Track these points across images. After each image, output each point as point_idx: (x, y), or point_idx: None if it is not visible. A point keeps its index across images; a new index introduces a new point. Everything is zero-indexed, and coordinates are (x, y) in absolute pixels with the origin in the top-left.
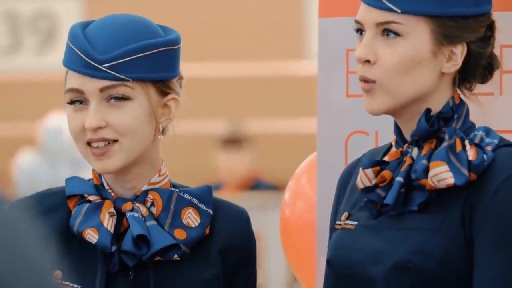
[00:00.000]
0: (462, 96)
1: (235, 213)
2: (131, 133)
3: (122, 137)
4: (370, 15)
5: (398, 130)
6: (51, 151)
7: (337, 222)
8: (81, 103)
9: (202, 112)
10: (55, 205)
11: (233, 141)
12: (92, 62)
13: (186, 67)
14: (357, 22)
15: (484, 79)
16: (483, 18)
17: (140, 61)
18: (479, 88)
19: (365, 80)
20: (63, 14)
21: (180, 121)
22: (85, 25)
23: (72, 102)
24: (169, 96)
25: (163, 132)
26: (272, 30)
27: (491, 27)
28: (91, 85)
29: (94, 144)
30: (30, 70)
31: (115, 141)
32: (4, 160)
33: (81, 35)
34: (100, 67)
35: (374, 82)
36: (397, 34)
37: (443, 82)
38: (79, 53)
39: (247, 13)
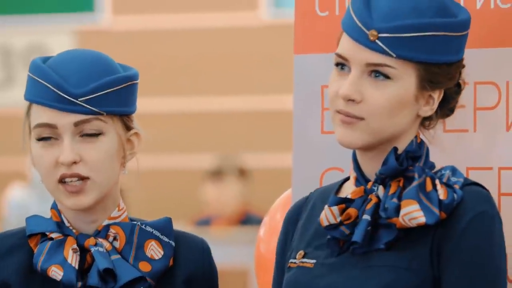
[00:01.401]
0: (422, 136)
1: (196, 244)
2: (103, 169)
3: (94, 173)
4: (360, 54)
5: (358, 167)
6: (41, 186)
7: (292, 260)
8: (50, 138)
9: (191, 147)
10: (13, 247)
11: (221, 175)
12: (67, 96)
13: (177, 102)
14: (340, 56)
15: (444, 117)
16: (459, 64)
17: (112, 95)
18: (453, 124)
19: (348, 115)
20: (55, 48)
21: (169, 156)
22: (44, 60)
23: (41, 139)
24: (132, 131)
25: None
26: (262, 64)
27: (461, 72)
28: (64, 120)
29: (68, 180)
30: (22, 104)
31: (87, 178)
32: None
33: (50, 70)
34: (76, 101)
35: (360, 119)
36: (386, 77)
37: (415, 123)
38: (51, 87)
39: (237, 48)
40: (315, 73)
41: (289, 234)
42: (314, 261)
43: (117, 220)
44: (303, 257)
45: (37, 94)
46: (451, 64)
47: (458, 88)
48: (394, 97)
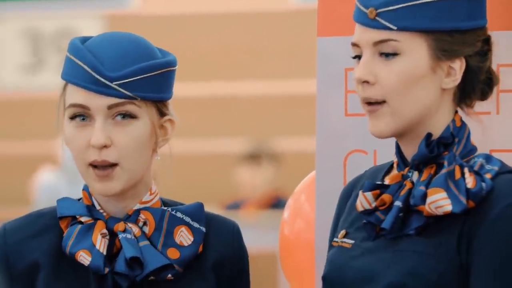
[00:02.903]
0: (463, 117)
1: (227, 227)
2: (133, 155)
3: (124, 159)
4: (365, 35)
5: (399, 152)
6: (71, 169)
7: (334, 239)
8: (83, 119)
9: (224, 131)
10: (45, 227)
11: (254, 159)
12: (102, 79)
13: (208, 86)
14: (353, 44)
15: (485, 94)
16: (479, 32)
17: (148, 80)
18: (476, 107)
19: (370, 102)
20: (85, 32)
21: (200, 140)
22: (83, 40)
23: (74, 117)
24: (166, 117)
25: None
26: (293, 49)
27: (487, 41)
28: (98, 102)
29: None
30: (52, 88)
31: (116, 164)
32: (24, 179)
33: (87, 50)
34: (110, 84)
35: (380, 103)
36: (395, 53)
37: (444, 99)
38: (87, 68)
39: (268, 32)
40: (338, 55)
41: (341, 213)
42: (352, 241)
43: (148, 205)
44: (344, 236)
45: (73, 74)
46: (465, 31)
47: (482, 57)
48: (405, 71)
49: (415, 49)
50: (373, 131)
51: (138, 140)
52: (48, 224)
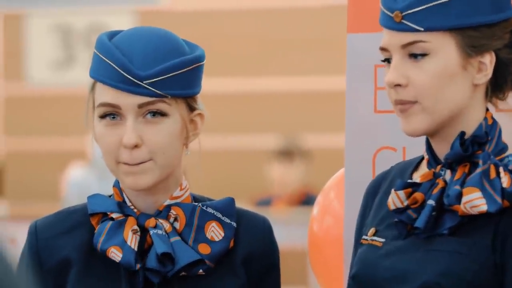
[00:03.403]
0: (494, 115)
1: (257, 222)
2: (165, 151)
3: (156, 155)
4: (393, 39)
5: (430, 150)
6: (101, 165)
7: (364, 237)
8: (113, 117)
9: (256, 127)
10: (76, 223)
11: (286, 155)
12: (131, 78)
13: (239, 82)
14: (382, 49)
15: None
16: (506, 24)
17: (178, 77)
18: (505, 104)
19: (402, 103)
20: (116, 28)
21: (232, 136)
22: (111, 36)
23: (104, 116)
24: (196, 112)
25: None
26: (324, 45)
27: None
28: (129, 101)
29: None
30: (82, 84)
31: (149, 159)
32: (54, 174)
33: (115, 48)
34: (141, 83)
35: (413, 102)
36: (424, 54)
37: (476, 95)
38: (116, 67)
39: (301, 29)
40: (368, 52)
41: (367, 209)
42: (383, 240)
43: (178, 200)
44: (374, 234)
45: (102, 73)
46: (493, 24)
47: (510, 49)
48: (437, 71)
49: (444, 48)
50: (406, 130)
51: (169, 137)
52: (80, 221)
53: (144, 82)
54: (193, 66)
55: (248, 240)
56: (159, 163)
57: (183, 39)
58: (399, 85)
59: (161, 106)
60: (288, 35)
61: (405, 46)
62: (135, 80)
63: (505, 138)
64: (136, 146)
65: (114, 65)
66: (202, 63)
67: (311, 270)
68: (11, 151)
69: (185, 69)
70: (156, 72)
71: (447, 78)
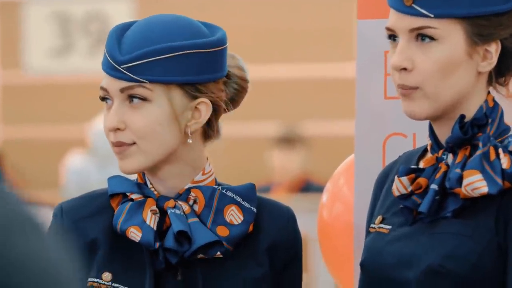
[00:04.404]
0: (496, 98)
1: (281, 211)
2: (148, 136)
3: (139, 139)
4: (402, 22)
5: (433, 135)
6: (100, 153)
7: (371, 225)
8: (108, 101)
9: (257, 114)
10: (101, 207)
11: (286, 142)
12: (113, 63)
13: None
14: (388, 29)
15: None
16: None
17: (161, 63)
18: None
19: (404, 87)
20: (114, 16)
21: (233, 123)
22: (130, 24)
23: (102, 99)
24: (199, 100)
25: (209, 136)
26: (324, 33)
27: None
28: (113, 85)
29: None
30: (81, 72)
31: (133, 143)
32: (54, 162)
33: (114, 35)
34: (119, 68)
35: (414, 88)
36: (432, 38)
37: (479, 82)
38: (106, 52)
39: (301, 17)
40: (378, 38)
41: (377, 199)
42: (389, 227)
43: (200, 184)
44: (381, 222)
45: (104, 58)
46: (502, 13)
47: None
48: (443, 58)
49: (452, 35)
50: (407, 112)
51: (151, 123)
52: (104, 205)
53: (122, 66)
54: (183, 52)
55: (272, 229)
56: (142, 148)
57: (209, 24)
58: (404, 69)
59: (140, 91)
60: (288, 23)
61: (413, 30)
62: (115, 65)
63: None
64: (119, 129)
65: (105, 51)
66: (206, 50)
67: (312, 256)
68: (9, 140)
69: (169, 55)
70: (133, 57)
71: (452, 66)
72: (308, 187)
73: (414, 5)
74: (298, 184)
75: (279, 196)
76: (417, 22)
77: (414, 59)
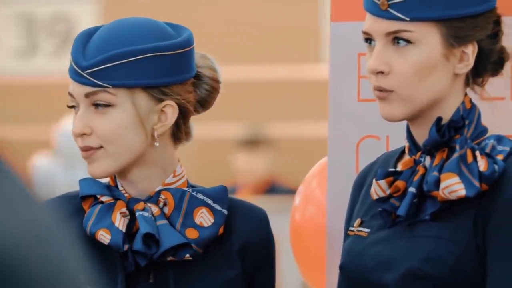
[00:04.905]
0: (473, 99)
1: (253, 213)
2: (115, 140)
3: (106, 144)
4: (378, 26)
5: (410, 137)
6: (66, 154)
7: (350, 228)
8: (75, 107)
9: (221, 115)
10: (74, 210)
11: (251, 144)
12: (76, 68)
13: None
14: (364, 32)
15: (495, 72)
16: (490, 14)
17: (123, 67)
18: (489, 92)
19: (380, 90)
20: (80, 17)
21: (199, 125)
22: (96, 29)
23: (71, 107)
24: (165, 102)
25: (178, 138)
26: (290, 33)
27: (498, 22)
28: (78, 91)
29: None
30: (46, 73)
31: (100, 147)
32: (19, 163)
33: (79, 41)
34: (83, 73)
35: (390, 91)
36: (408, 41)
37: (456, 84)
38: (71, 58)
39: (265, 17)
40: (351, 40)
41: (355, 202)
42: (368, 230)
43: (171, 186)
44: (360, 225)
45: (70, 64)
46: (477, 15)
47: (494, 39)
48: (419, 61)
49: (428, 38)
50: (384, 114)
51: (117, 127)
52: (77, 207)
53: (85, 72)
54: (145, 56)
55: (244, 231)
56: (109, 152)
57: (176, 26)
58: (381, 72)
59: (104, 96)
60: (253, 24)
61: (389, 34)
62: (78, 70)
63: (488, 125)
64: (85, 134)
65: (71, 57)
66: (170, 52)
67: (276, 258)
68: None
69: (132, 59)
70: (96, 62)
71: (429, 68)
72: (274, 189)
73: (389, 9)
74: (263, 186)
75: (244, 198)
76: (393, 25)
77: (391, 63)
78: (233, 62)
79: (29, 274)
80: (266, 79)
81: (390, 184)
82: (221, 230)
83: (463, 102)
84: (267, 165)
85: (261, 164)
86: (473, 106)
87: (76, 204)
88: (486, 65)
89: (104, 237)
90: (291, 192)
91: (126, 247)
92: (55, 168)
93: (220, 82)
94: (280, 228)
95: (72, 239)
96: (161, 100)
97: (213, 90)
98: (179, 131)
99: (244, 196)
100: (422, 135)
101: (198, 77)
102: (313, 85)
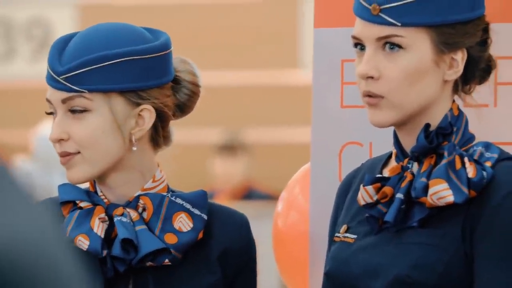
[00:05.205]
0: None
1: (234, 218)
2: (92, 145)
3: (83, 149)
4: (369, 31)
5: (398, 143)
6: (44, 159)
7: (336, 234)
8: (52, 113)
9: (199, 121)
10: (56, 215)
11: (229, 149)
12: (53, 74)
13: None
14: (354, 37)
15: (482, 80)
16: (479, 21)
17: (99, 71)
18: (473, 99)
19: (370, 95)
20: (57, 22)
21: (176, 130)
22: (73, 35)
23: (49, 113)
24: (142, 106)
25: (157, 142)
26: (267, 39)
27: (486, 29)
28: (54, 96)
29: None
30: (24, 77)
31: (78, 153)
32: None
33: (56, 47)
34: (59, 78)
35: (380, 97)
36: (399, 46)
37: (445, 90)
38: (47, 64)
39: (242, 22)
40: (335, 47)
41: (339, 209)
42: (355, 236)
43: (150, 191)
44: (346, 231)
45: (47, 70)
46: (467, 22)
47: (483, 46)
48: (410, 66)
49: (418, 44)
50: (373, 121)
51: (94, 132)
52: (57, 213)
53: (61, 77)
54: (121, 60)
55: (224, 237)
56: (87, 157)
57: (154, 30)
58: (371, 77)
59: (80, 101)
60: (231, 29)
61: (380, 39)
62: (55, 76)
63: (472, 132)
64: (62, 140)
65: (47, 63)
66: (145, 56)
67: (257, 263)
68: None
69: (107, 63)
70: (71, 67)
71: (419, 74)
72: (251, 194)
73: (381, 14)
74: (240, 191)
75: (222, 203)
76: (384, 30)
77: (381, 68)
78: (210, 67)
79: (24, 276)
80: (243, 84)
81: (378, 190)
82: (200, 235)
83: (451, 109)
84: (245, 170)
85: (239, 170)
86: (460, 113)
87: (58, 209)
88: (475, 72)
89: (82, 242)
90: (268, 197)
91: (104, 252)
92: (32, 172)
93: (200, 87)
94: (257, 234)
95: (66, 243)
96: (138, 104)
97: (193, 94)
98: (158, 136)
99: (221, 201)
100: (409, 142)
101: (177, 81)
102: (291, 90)
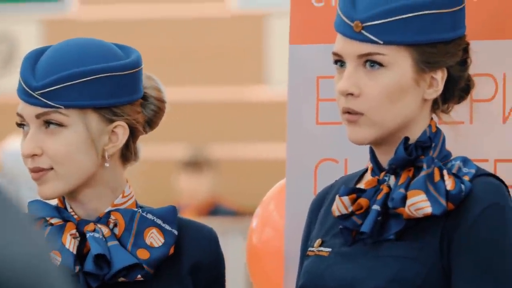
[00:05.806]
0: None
1: (202, 233)
2: (66, 161)
3: (57, 165)
4: (350, 48)
5: (374, 158)
6: (11, 175)
7: (310, 248)
8: (24, 127)
9: (164, 136)
10: None
11: (194, 165)
12: (27, 89)
13: None
14: (335, 54)
15: (461, 100)
16: (460, 41)
17: (75, 88)
18: (449, 116)
19: (350, 112)
20: (22, 37)
21: (142, 145)
22: (44, 50)
23: (20, 125)
24: (116, 123)
25: (127, 158)
26: (232, 54)
27: (466, 49)
28: (28, 111)
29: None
30: None
31: (51, 168)
32: None
33: (28, 61)
34: (34, 94)
35: (360, 114)
36: (380, 64)
37: (424, 108)
38: (20, 79)
39: (208, 39)
40: (310, 63)
41: (312, 224)
42: (330, 249)
43: (120, 207)
44: (320, 245)
45: (19, 84)
46: (449, 41)
47: (463, 66)
48: (390, 84)
49: (400, 62)
50: (352, 138)
51: (68, 148)
52: None
53: (36, 92)
54: (97, 76)
55: (194, 251)
56: (60, 173)
57: (124, 47)
58: (351, 94)
59: (56, 116)
60: (195, 45)
61: (361, 56)
62: (30, 91)
63: (448, 149)
64: (35, 155)
65: (20, 77)
66: (119, 73)
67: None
68: None
69: (83, 79)
70: (47, 83)
71: (399, 92)
72: (217, 210)
73: (363, 31)
74: (206, 207)
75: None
76: (366, 48)
77: (362, 85)
78: (175, 83)
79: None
80: (208, 100)
81: (353, 202)
82: (172, 250)
83: (429, 125)
84: (210, 186)
85: (204, 186)
86: (438, 130)
87: None
88: (454, 92)
89: (55, 259)
90: (234, 213)
91: (77, 268)
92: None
93: (165, 102)
94: (223, 249)
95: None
96: (111, 121)
97: (159, 110)
98: (129, 152)
99: (187, 217)
100: (386, 156)
101: (144, 97)
102: (256, 106)
